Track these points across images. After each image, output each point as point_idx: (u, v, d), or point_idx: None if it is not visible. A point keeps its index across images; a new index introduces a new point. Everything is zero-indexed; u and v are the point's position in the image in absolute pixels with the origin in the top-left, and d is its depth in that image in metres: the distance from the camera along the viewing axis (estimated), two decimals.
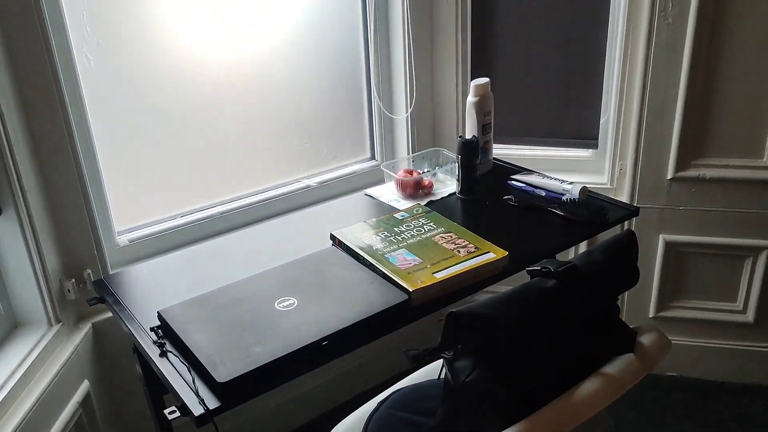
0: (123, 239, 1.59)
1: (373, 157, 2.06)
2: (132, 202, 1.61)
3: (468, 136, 1.67)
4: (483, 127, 1.68)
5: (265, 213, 1.80)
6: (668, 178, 1.89)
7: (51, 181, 1.37)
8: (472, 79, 1.74)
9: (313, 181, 1.89)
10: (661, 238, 1.97)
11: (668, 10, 1.73)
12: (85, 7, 1.43)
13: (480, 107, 1.66)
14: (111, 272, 1.51)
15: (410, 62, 1.90)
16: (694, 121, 1.82)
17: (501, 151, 2.00)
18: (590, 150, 2.03)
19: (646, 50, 1.78)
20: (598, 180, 2.00)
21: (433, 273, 1.21)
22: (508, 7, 1.93)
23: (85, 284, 1.47)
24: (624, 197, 1.94)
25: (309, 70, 1.83)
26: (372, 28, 1.89)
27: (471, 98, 1.67)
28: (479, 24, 1.94)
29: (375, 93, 1.96)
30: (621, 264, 1.08)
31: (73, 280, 1.45)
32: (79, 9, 1.42)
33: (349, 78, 1.95)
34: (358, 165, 2.01)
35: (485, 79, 1.66)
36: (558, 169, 2.03)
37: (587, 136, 2.00)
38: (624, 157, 1.92)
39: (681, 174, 1.88)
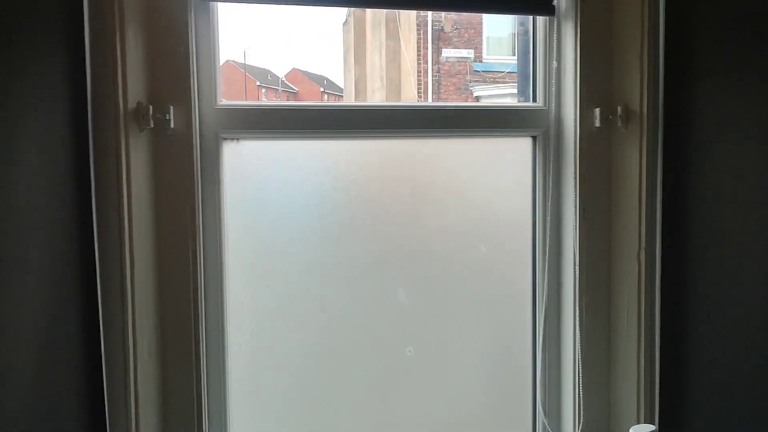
0: None
1: None
2: None
3: None
4: None
5: None
6: None
7: None
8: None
9: None
10: None
11: None
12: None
13: None
14: None
15: (579, 377, 1.62)
16: None
17: None
18: None
19: None
20: None
21: None
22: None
23: None
24: None
25: (470, 368, 1.68)
26: (541, 333, 1.69)
27: None
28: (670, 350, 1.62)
29: (540, 407, 1.69)
30: None
31: None
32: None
33: (512, 386, 1.72)
34: None
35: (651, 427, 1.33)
36: None
37: None
38: None
39: None
